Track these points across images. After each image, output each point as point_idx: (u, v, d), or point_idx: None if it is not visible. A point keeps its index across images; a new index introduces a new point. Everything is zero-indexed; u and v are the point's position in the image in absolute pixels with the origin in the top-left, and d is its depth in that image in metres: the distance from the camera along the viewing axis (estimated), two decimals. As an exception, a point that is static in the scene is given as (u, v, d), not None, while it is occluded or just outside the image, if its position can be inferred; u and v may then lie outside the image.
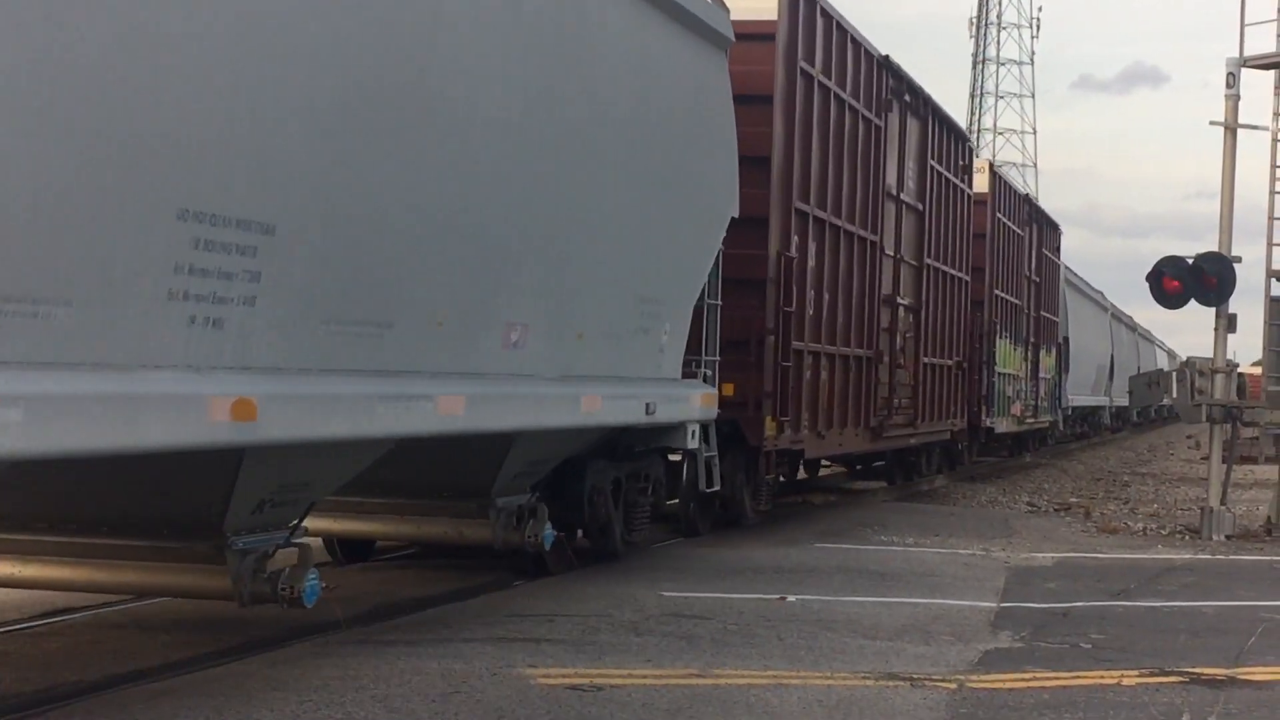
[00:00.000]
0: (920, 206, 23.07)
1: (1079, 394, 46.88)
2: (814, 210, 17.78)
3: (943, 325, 25.12)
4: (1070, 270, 45.17)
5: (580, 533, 13.73)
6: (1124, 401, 57.41)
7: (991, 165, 30.53)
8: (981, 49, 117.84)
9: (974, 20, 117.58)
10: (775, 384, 16.59)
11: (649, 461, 14.50)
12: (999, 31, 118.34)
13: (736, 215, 14.26)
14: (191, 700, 8.00)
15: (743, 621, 11.14)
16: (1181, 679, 9.60)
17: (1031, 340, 35.07)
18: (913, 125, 22.44)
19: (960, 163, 26.10)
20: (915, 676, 9.34)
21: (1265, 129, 19.60)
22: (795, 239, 17.10)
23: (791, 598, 12.38)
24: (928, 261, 23.68)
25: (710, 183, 13.73)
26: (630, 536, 14.32)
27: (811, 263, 17.72)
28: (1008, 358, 31.67)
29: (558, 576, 13.20)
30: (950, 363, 25.61)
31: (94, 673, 9.06)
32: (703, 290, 13.96)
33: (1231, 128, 19.45)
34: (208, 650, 9.85)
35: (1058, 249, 39.86)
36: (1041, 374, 36.76)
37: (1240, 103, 19.35)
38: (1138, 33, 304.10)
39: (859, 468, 26.28)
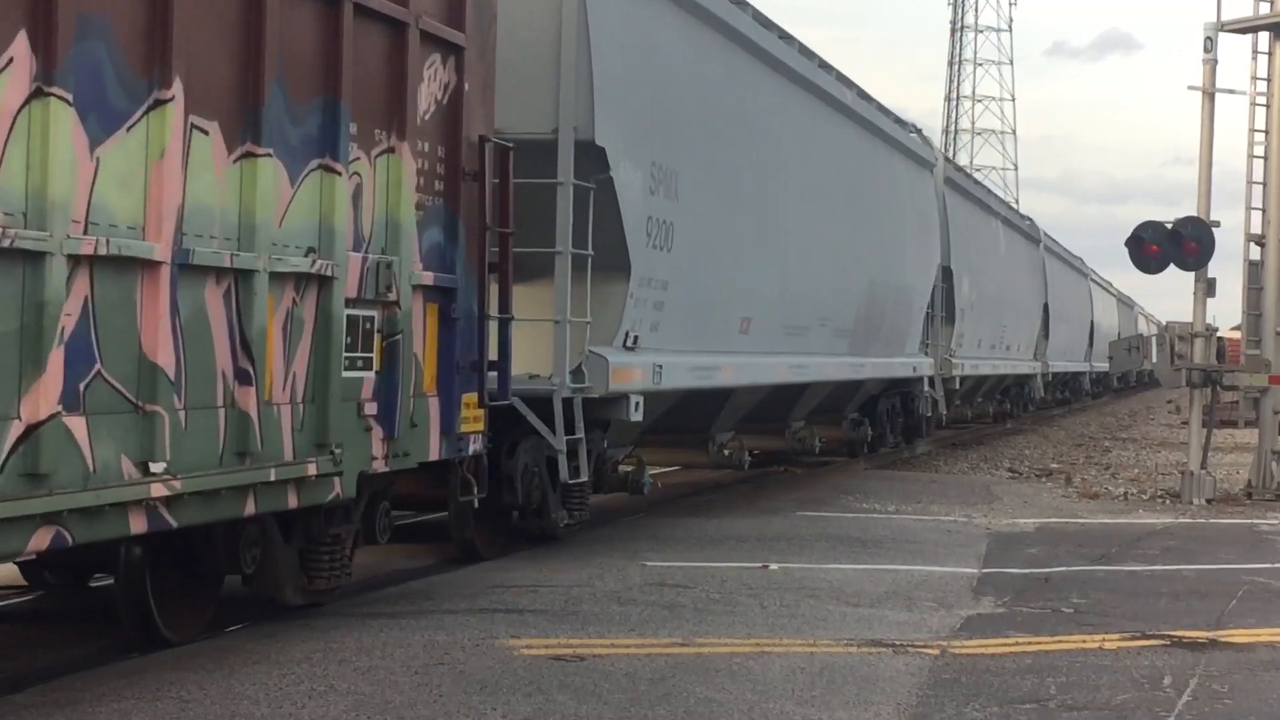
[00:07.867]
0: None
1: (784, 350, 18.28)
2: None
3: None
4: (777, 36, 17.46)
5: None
6: (1009, 364, 34.86)
7: None
8: (960, 15, 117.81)
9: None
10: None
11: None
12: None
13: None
14: (173, 675, 7.98)
15: (725, 590, 11.15)
16: (1163, 642, 9.64)
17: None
18: None
19: None
20: (898, 643, 9.36)
21: (1243, 93, 19.60)
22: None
23: (774, 566, 12.40)
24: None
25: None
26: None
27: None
28: None
29: (548, 545, 13.31)
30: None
31: (75, 650, 9.04)
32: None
33: (1209, 92, 19.45)
34: (190, 625, 9.81)
35: None
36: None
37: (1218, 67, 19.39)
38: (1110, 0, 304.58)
39: None
